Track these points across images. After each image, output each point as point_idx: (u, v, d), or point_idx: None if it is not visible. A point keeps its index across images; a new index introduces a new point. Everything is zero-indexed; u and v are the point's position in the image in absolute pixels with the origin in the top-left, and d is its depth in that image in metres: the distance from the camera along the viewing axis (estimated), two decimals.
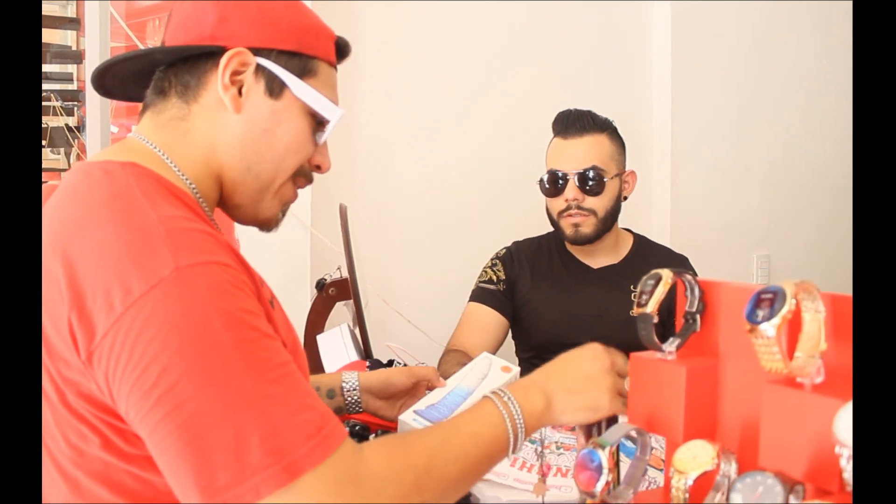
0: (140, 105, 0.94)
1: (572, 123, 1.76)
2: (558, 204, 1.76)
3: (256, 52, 0.87)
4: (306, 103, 0.90)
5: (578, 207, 1.73)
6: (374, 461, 0.73)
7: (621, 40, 2.63)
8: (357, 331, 1.63)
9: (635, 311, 0.87)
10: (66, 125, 2.36)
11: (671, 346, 0.89)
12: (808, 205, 2.85)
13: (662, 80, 2.63)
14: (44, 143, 2.35)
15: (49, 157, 2.41)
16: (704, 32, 2.65)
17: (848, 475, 0.66)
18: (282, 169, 0.91)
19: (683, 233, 2.59)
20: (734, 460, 0.76)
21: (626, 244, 1.86)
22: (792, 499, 0.68)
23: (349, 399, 1.21)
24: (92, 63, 1.85)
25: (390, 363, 1.59)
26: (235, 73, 0.87)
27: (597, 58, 2.58)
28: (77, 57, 2.46)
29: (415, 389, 1.27)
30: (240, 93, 0.87)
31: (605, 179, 1.72)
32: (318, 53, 0.91)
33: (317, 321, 1.78)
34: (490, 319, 1.82)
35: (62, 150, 2.40)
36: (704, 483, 0.75)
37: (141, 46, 2.28)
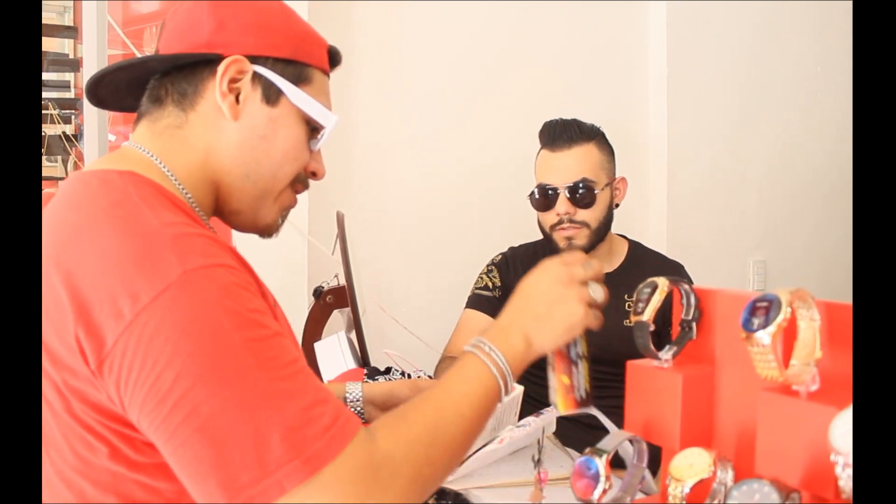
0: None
1: (559, 135, 1.74)
2: (550, 218, 1.76)
3: (253, 59, 0.88)
4: (302, 110, 0.90)
5: (571, 221, 1.71)
6: (384, 445, 0.74)
7: (617, 43, 2.63)
8: (354, 338, 1.63)
9: (632, 318, 0.87)
10: (64, 133, 2.37)
11: (667, 353, 0.89)
12: (804, 210, 2.86)
13: (658, 84, 2.63)
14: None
15: (46, 165, 2.41)
16: (700, 35, 2.65)
17: (843, 482, 0.67)
18: (279, 176, 0.91)
19: (679, 238, 2.59)
20: (730, 468, 0.77)
21: (621, 252, 1.84)
22: None
23: (352, 410, 1.22)
24: (89, 71, 1.85)
25: (388, 370, 1.59)
26: (233, 80, 0.87)
27: (592, 62, 2.59)
28: (74, 65, 2.47)
29: None
30: (237, 100, 0.87)
31: (595, 191, 1.70)
32: (312, 61, 0.92)
33: (314, 329, 1.78)
34: (486, 326, 1.81)
35: (59, 158, 2.40)
36: (701, 491, 0.75)
37: (138, 54, 2.29)
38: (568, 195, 1.70)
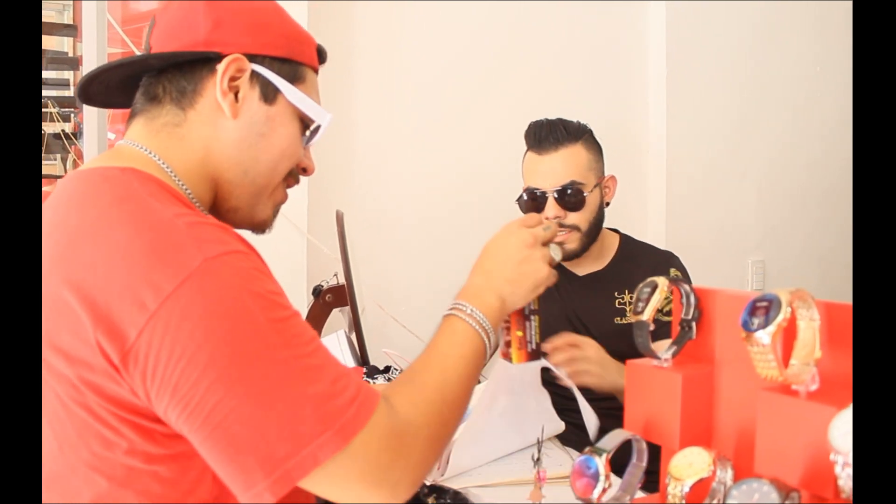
0: None
1: (545, 136, 1.70)
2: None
3: (251, 58, 0.88)
4: (298, 108, 0.92)
5: (561, 225, 1.67)
6: (403, 410, 0.78)
7: (617, 43, 2.63)
8: (354, 337, 1.63)
9: (632, 318, 0.87)
10: (63, 131, 2.36)
11: (667, 353, 0.89)
12: (803, 210, 2.86)
13: (658, 84, 2.63)
14: None
15: (45, 164, 2.41)
16: (700, 35, 2.65)
17: (843, 482, 0.67)
18: (276, 172, 0.92)
19: (678, 237, 2.59)
20: (730, 467, 0.77)
21: (612, 248, 1.81)
22: None
23: None
24: (89, 69, 1.84)
25: (387, 369, 1.59)
26: (232, 78, 0.88)
27: (592, 62, 2.59)
28: (74, 63, 2.47)
29: None
30: (236, 98, 0.88)
31: (585, 194, 1.66)
32: (304, 60, 0.93)
33: (313, 328, 1.77)
34: None
35: (58, 156, 2.40)
36: (700, 490, 0.75)
37: (137, 52, 2.28)
38: (557, 199, 1.66)
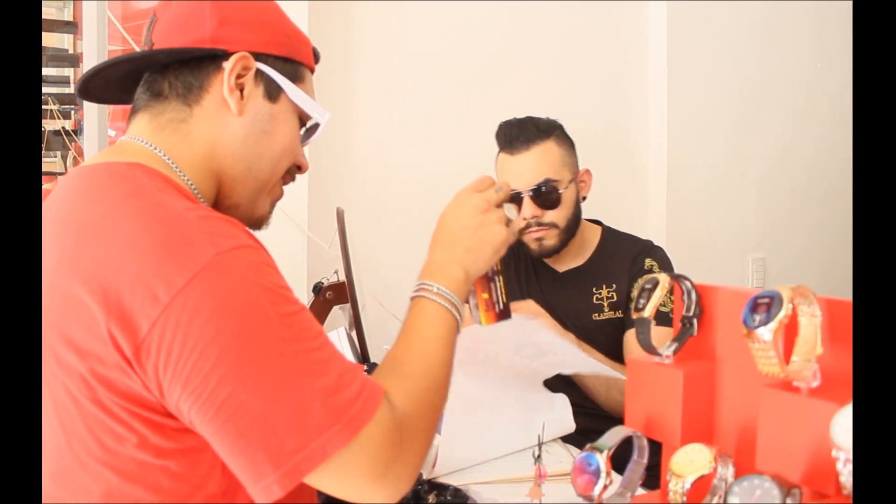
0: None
1: (516, 136, 1.67)
2: (517, 223, 1.72)
3: (256, 56, 0.89)
4: (298, 106, 0.93)
5: (539, 224, 1.65)
6: (400, 402, 0.78)
7: (617, 43, 2.63)
8: (354, 334, 1.63)
9: (633, 315, 0.87)
10: (63, 128, 2.36)
11: (668, 350, 0.89)
12: (803, 208, 2.86)
13: (658, 84, 2.64)
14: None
15: (44, 161, 2.41)
16: (700, 35, 2.66)
17: (844, 478, 0.67)
18: (277, 169, 0.93)
19: (679, 236, 2.59)
20: (731, 464, 0.77)
21: (593, 242, 1.78)
22: (789, 502, 0.68)
23: None
24: (89, 66, 1.84)
25: None
26: (238, 76, 0.88)
27: (592, 62, 2.59)
28: (74, 60, 2.46)
29: None
30: (242, 96, 0.89)
31: (560, 191, 1.64)
32: (303, 59, 0.94)
33: None
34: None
35: (58, 153, 2.40)
36: (702, 487, 0.75)
37: (138, 49, 2.28)
38: (533, 198, 1.64)
